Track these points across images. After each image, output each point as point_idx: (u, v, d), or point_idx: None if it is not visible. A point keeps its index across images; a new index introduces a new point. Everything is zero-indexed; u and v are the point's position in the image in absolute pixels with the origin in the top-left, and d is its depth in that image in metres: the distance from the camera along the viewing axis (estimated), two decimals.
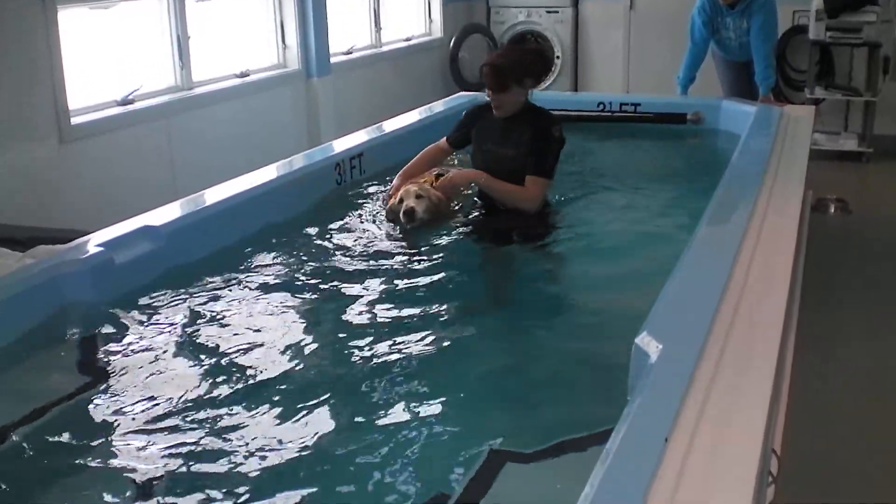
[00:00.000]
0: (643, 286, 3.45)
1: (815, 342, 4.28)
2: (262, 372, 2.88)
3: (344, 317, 3.31)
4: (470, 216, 4.41)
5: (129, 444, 2.48)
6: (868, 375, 4.33)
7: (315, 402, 2.69)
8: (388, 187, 4.54)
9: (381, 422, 2.61)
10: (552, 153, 4.30)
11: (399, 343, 3.05)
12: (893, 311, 5.05)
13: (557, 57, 9.62)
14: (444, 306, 3.34)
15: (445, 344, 3.07)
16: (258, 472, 2.35)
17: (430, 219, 4.12)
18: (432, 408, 2.72)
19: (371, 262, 3.81)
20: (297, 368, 2.91)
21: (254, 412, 2.64)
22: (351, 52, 8.16)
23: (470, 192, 4.55)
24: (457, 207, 4.44)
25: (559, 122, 4.37)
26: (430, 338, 3.10)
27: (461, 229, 4.24)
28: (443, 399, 2.74)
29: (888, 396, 4.15)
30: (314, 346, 3.08)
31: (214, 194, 4.12)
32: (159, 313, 3.28)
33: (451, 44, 9.59)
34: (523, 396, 2.80)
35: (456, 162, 5.02)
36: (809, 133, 5.43)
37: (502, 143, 4.33)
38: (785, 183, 4.14)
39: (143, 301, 3.35)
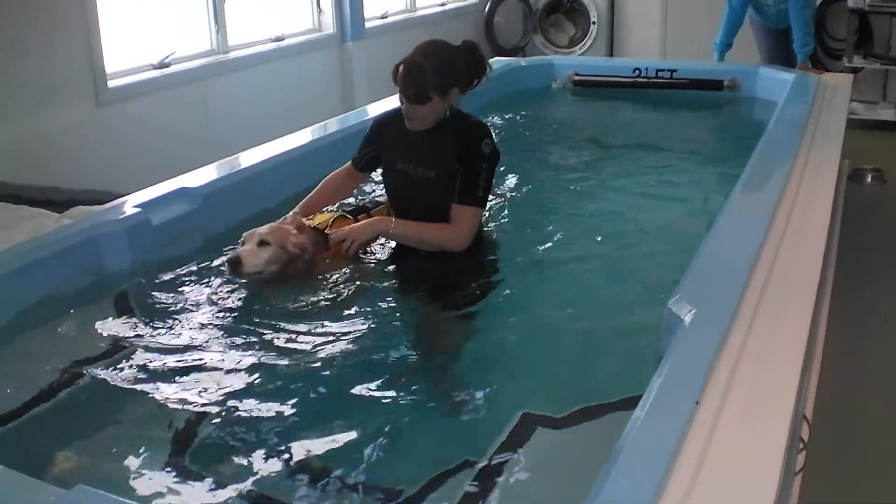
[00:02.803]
0: (676, 253, 3.45)
1: (849, 310, 4.25)
2: (297, 335, 2.90)
3: (384, 281, 3.33)
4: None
5: (163, 403, 2.52)
6: None
7: (350, 366, 2.72)
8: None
9: (413, 388, 2.64)
10: (483, 175, 3.37)
11: (433, 311, 3.08)
12: None
13: (593, 22, 9.55)
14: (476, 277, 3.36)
15: (477, 313, 3.09)
16: (288, 431, 2.38)
17: (278, 272, 3.21)
18: (465, 375, 2.75)
19: None
20: (333, 334, 2.91)
21: (288, 374, 2.66)
22: (385, 17, 8.15)
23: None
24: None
25: (490, 134, 3.42)
26: (463, 308, 3.12)
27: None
28: (474, 367, 2.77)
29: None
30: (352, 310, 3.09)
31: (250, 157, 4.16)
32: (195, 274, 3.31)
33: (486, 9, 9.54)
34: (555, 363, 2.81)
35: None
36: (847, 102, 5.36)
37: (419, 161, 3.43)
38: (821, 151, 4.10)
39: (179, 262, 3.38)
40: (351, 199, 3.89)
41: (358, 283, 3.27)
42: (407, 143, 3.46)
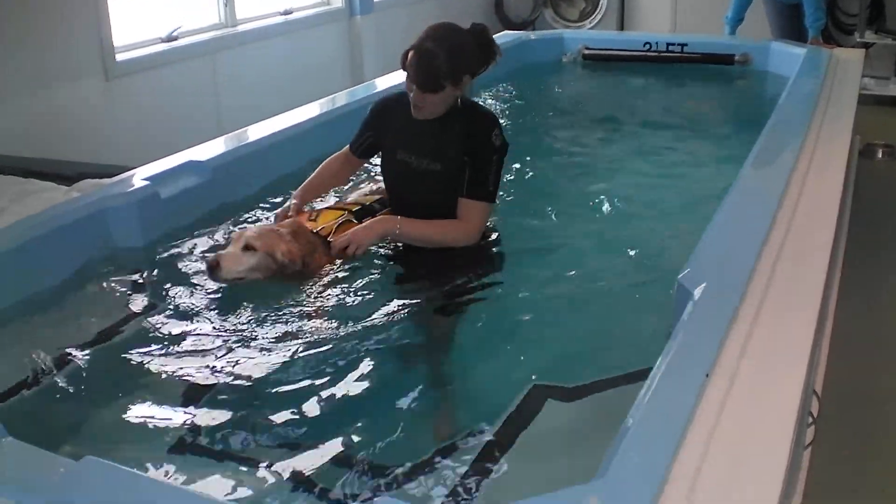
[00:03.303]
0: (687, 228, 3.43)
1: (860, 285, 4.23)
2: (307, 308, 2.90)
3: (386, 270, 3.26)
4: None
5: (171, 377, 2.52)
6: None
7: (360, 335, 2.71)
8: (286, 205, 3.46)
9: (420, 367, 2.66)
10: (494, 168, 3.20)
11: (445, 286, 3.07)
12: None
13: None
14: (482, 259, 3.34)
15: (488, 288, 3.08)
16: (297, 408, 2.37)
17: (262, 277, 2.97)
18: (475, 349, 2.75)
19: None
20: (342, 307, 2.91)
21: (297, 351, 2.65)
22: None
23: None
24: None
25: (499, 124, 3.25)
26: (473, 283, 3.11)
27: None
28: (484, 343, 2.76)
29: None
30: (360, 281, 3.08)
31: (259, 130, 4.14)
32: (204, 248, 3.30)
33: None
34: (566, 338, 2.80)
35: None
36: (858, 77, 5.33)
37: (424, 153, 3.24)
38: (833, 126, 4.08)
39: (188, 235, 3.38)
40: (357, 195, 3.68)
41: (361, 274, 3.13)
42: (411, 133, 3.26)
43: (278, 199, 3.68)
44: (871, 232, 5.02)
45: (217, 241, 3.34)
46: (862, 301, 4.22)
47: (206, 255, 2.92)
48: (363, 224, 3.22)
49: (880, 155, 6.52)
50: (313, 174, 3.51)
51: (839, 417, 3.17)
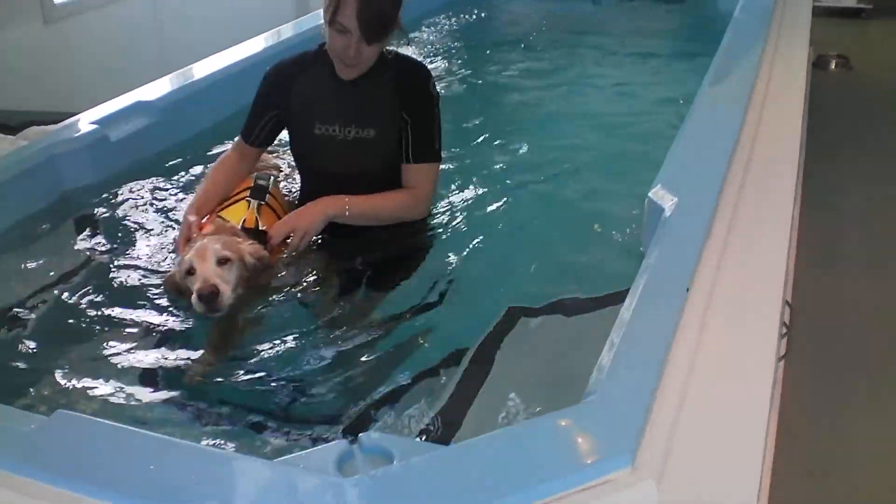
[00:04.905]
0: (651, 144, 3.41)
1: (819, 196, 4.26)
2: None
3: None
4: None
5: (131, 324, 2.44)
6: (868, 228, 4.31)
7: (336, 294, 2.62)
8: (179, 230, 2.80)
9: (401, 288, 2.59)
10: (437, 122, 2.79)
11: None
12: (893, 159, 5.03)
13: None
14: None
15: (459, 214, 3.02)
16: (263, 347, 2.31)
17: (245, 293, 2.47)
18: (446, 279, 2.67)
19: None
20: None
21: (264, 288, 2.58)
22: None
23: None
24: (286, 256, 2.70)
25: (430, 72, 2.84)
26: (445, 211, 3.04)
27: None
28: (458, 270, 2.70)
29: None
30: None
31: (206, 67, 4.03)
32: (159, 189, 3.22)
33: None
34: (540, 264, 2.74)
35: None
36: None
37: (349, 120, 2.74)
38: (790, 38, 4.05)
39: (141, 177, 3.28)
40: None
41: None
42: (327, 100, 2.76)
43: (231, 136, 3.55)
44: (828, 143, 5.04)
45: (171, 183, 3.24)
46: (822, 211, 4.24)
47: (201, 288, 2.31)
48: (302, 209, 2.71)
49: (833, 66, 6.54)
50: (204, 182, 2.88)
51: (810, 326, 3.20)
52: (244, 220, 2.67)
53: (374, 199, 2.74)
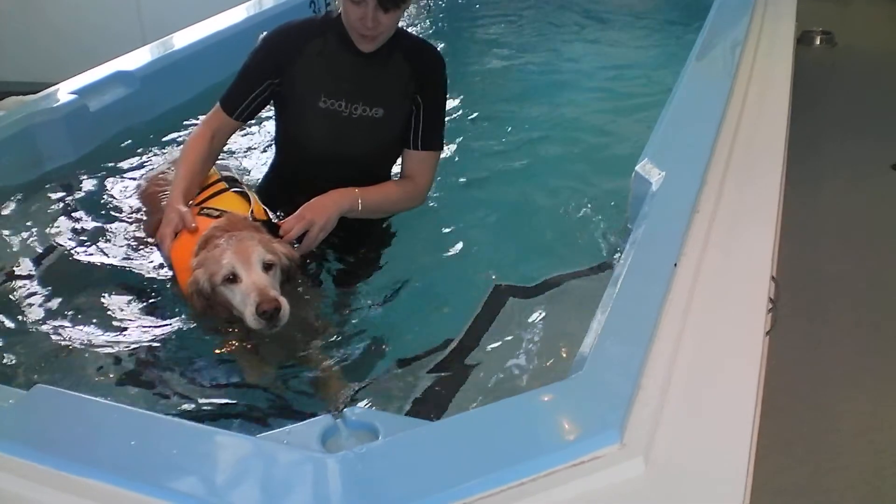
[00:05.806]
0: (637, 119, 3.39)
1: (804, 171, 4.25)
2: None
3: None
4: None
5: (108, 298, 2.40)
6: (852, 204, 4.31)
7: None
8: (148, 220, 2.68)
9: (386, 269, 2.57)
10: (444, 110, 2.72)
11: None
12: (876, 136, 5.03)
13: None
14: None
15: (444, 193, 2.99)
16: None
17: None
18: (432, 259, 2.68)
19: None
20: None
21: None
22: None
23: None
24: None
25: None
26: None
27: None
28: (445, 248, 2.69)
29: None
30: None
31: (186, 37, 3.97)
32: (138, 158, 3.18)
33: None
34: (525, 242, 2.75)
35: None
36: None
37: (358, 96, 2.58)
38: (776, 13, 4.02)
39: (121, 148, 3.24)
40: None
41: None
42: (336, 72, 2.58)
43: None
44: (812, 119, 5.03)
45: (152, 152, 3.19)
46: (806, 186, 4.24)
47: (264, 305, 2.01)
48: (314, 202, 2.45)
49: (818, 42, 6.52)
50: (180, 166, 2.57)
51: (795, 302, 3.20)
52: (252, 212, 2.44)
53: (381, 192, 2.60)
